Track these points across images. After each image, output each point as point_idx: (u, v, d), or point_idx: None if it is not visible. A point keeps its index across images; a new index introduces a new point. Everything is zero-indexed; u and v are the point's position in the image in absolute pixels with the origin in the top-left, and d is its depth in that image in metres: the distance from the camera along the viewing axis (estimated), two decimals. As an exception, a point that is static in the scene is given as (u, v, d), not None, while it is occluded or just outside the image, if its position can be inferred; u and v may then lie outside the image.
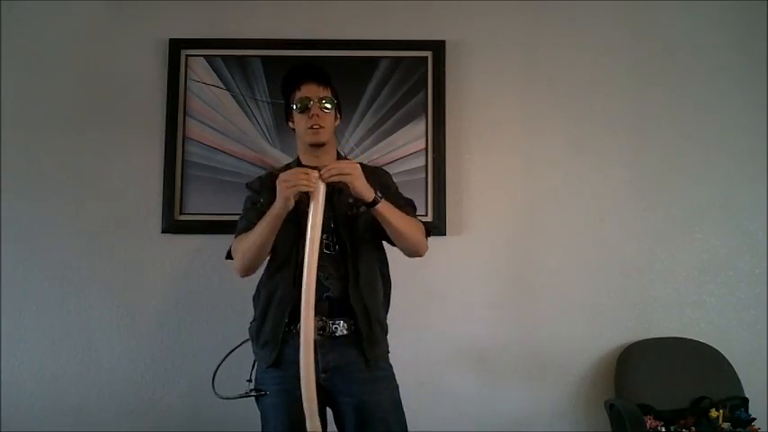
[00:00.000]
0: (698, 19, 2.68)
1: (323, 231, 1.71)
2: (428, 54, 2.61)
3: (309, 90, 1.82)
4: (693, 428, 2.27)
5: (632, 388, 2.38)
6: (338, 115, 1.93)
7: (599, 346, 2.54)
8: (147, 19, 2.63)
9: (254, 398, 1.83)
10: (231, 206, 2.54)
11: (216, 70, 2.61)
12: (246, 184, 1.98)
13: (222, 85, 2.60)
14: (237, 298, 2.52)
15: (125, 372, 2.50)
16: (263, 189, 1.89)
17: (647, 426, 2.23)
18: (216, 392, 1.94)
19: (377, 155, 2.58)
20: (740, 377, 2.42)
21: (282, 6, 2.64)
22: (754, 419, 2.31)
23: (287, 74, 1.89)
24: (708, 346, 2.48)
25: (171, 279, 2.53)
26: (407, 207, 1.91)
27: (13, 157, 2.56)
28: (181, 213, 2.55)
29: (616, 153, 2.62)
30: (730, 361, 2.44)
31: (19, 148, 2.57)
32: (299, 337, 1.64)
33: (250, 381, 1.84)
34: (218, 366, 2.00)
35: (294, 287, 1.73)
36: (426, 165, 2.57)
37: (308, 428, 1.61)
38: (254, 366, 1.87)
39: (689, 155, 2.62)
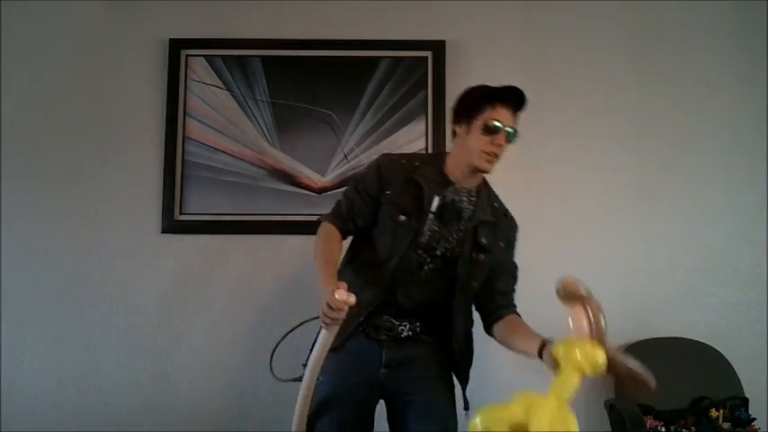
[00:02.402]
0: (698, 19, 2.68)
1: (426, 253, 1.72)
2: (428, 54, 2.61)
3: (504, 116, 1.70)
4: (693, 428, 2.27)
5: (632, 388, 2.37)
6: None
7: (599, 346, 2.54)
8: (147, 19, 2.63)
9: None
10: (231, 206, 2.55)
11: (216, 70, 2.61)
12: (381, 160, 1.84)
13: (222, 85, 2.60)
14: (237, 298, 2.53)
15: (125, 372, 2.50)
16: (391, 181, 1.77)
17: (647, 426, 2.22)
18: (274, 374, 1.86)
19: (377, 155, 2.56)
20: (740, 377, 2.41)
21: (282, 6, 2.64)
22: (754, 419, 2.31)
23: (486, 89, 1.75)
24: (708, 346, 2.47)
25: (171, 279, 2.53)
26: (513, 277, 1.90)
27: (13, 157, 2.56)
28: (181, 213, 2.55)
29: (616, 153, 2.61)
30: (730, 361, 2.44)
31: (19, 148, 2.57)
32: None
33: (305, 365, 1.77)
34: (276, 346, 1.92)
35: (383, 293, 1.71)
36: (426, 165, 2.57)
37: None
38: (311, 350, 1.78)
39: (689, 155, 2.62)
